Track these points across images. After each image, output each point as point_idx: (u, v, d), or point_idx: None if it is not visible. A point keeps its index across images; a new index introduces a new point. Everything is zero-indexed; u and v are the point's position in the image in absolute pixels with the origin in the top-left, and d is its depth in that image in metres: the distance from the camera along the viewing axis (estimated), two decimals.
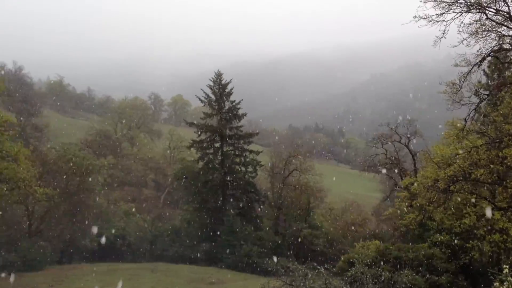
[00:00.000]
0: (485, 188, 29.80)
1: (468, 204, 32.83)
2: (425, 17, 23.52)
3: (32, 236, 50.56)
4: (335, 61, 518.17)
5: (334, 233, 58.16)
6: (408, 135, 51.09)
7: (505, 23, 24.22)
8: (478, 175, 25.55)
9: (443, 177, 25.72)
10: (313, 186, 62.65)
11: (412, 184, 38.07)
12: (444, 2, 23.67)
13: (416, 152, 50.30)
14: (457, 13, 23.75)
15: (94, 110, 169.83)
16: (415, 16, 23.36)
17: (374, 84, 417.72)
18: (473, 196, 29.63)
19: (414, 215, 38.08)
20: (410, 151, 50.92)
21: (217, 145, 60.69)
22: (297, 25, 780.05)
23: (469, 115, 26.23)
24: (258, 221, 59.43)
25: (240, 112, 61.55)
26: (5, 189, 39.07)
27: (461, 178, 25.40)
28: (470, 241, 33.54)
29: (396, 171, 53.06)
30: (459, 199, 30.71)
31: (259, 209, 61.67)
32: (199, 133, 60.53)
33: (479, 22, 24.09)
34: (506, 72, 29.39)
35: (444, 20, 23.69)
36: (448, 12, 23.71)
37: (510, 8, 23.77)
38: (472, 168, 25.39)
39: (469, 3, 23.82)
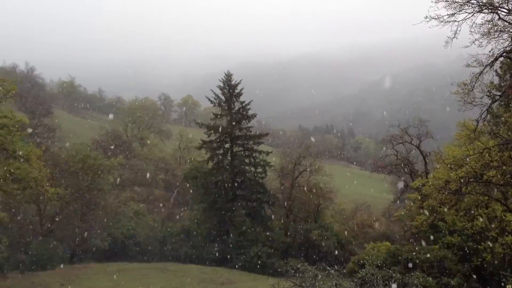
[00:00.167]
0: (497, 189, 29.52)
1: (480, 206, 32.57)
2: (436, 17, 23.34)
3: (43, 235, 51.00)
4: (345, 62, 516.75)
5: (344, 234, 57.92)
6: (419, 136, 50.76)
7: None
8: (490, 176, 25.34)
9: (454, 178, 25.58)
10: (323, 187, 62.46)
11: (423, 185, 37.85)
12: (456, 2, 23.49)
13: (427, 153, 49.98)
14: (469, 13, 23.57)
15: (105, 110, 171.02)
16: (426, 16, 23.19)
17: (385, 85, 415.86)
18: (485, 198, 29.39)
19: (425, 217, 37.85)
20: (421, 152, 50.60)
21: (226, 145, 60.75)
22: (306, 26, 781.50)
23: (481, 116, 25.98)
24: (267, 221, 59.39)
25: (250, 112, 61.53)
26: (17, 188, 39.43)
27: (473, 179, 25.23)
28: (482, 243, 33.26)
29: (407, 172, 52.77)
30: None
31: (268, 209, 61.61)
32: (209, 133, 60.66)
33: (491, 23, 23.87)
34: None
35: (455, 21, 23.51)
36: (460, 13, 23.52)
37: None
38: (484, 169, 25.20)
39: (481, 3, 23.61)
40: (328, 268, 24.50)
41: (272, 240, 53.99)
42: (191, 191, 64.86)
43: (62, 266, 47.51)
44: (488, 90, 27.68)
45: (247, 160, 60.97)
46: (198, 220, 59.90)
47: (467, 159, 26.27)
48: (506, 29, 24.12)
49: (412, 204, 44.37)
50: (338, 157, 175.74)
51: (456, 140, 37.49)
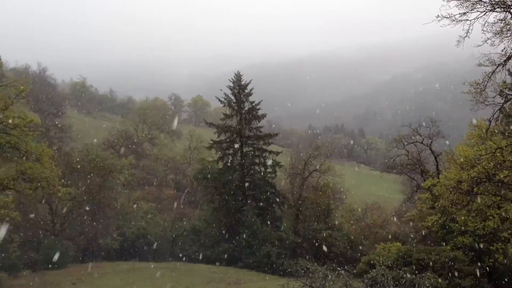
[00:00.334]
0: (510, 190, 29.21)
1: (492, 206, 32.27)
2: (448, 16, 23.09)
3: (55, 234, 51.50)
4: (355, 61, 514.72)
5: (355, 234, 57.67)
6: (431, 136, 50.37)
7: None
8: (502, 176, 25.09)
9: (466, 178, 25.37)
10: (333, 187, 62.27)
11: (435, 185, 37.55)
12: (468, 1, 23.24)
13: (439, 153, 49.58)
14: (481, 12, 23.30)
15: (116, 110, 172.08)
16: (438, 15, 22.95)
17: (396, 84, 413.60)
18: (497, 198, 29.10)
19: (436, 217, 37.60)
20: (433, 152, 50.22)
21: (236, 145, 60.80)
22: (316, 25, 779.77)
23: (493, 115, 25.71)
24: (277, 221, 59.36)
25: (260, 113, 61.55)
26: (29, 188, 39.82)
27: (485, 179, 25.00)
28: (494, 243, 32.95)
29: (418, 172, 52.39)
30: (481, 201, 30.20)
31: (278, 209, 61.58)
32: (219, 133, 60.77)
33: (503, 21, 23.58)
34: None
35: (467, 20, 23.25)
36: (472, 11, 23.26)
37: None
38: (496, 169, 24.95)
39: (493, 2, 23.35)
40: (338, 268, 24.40)
41: (282, 240, 53.95)
42: (201, 191, 65.03)
43: (73, 265, 47.94)
44: (501, 90, 27.34)
45: (257, 160, 61.00)
46: (208, 220, 60.04)
47: (479, 159, 26.03)
48: None
49: (423, 204, 44.06)
50: (349, 157, 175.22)
51: (467, 140, 37.13)
